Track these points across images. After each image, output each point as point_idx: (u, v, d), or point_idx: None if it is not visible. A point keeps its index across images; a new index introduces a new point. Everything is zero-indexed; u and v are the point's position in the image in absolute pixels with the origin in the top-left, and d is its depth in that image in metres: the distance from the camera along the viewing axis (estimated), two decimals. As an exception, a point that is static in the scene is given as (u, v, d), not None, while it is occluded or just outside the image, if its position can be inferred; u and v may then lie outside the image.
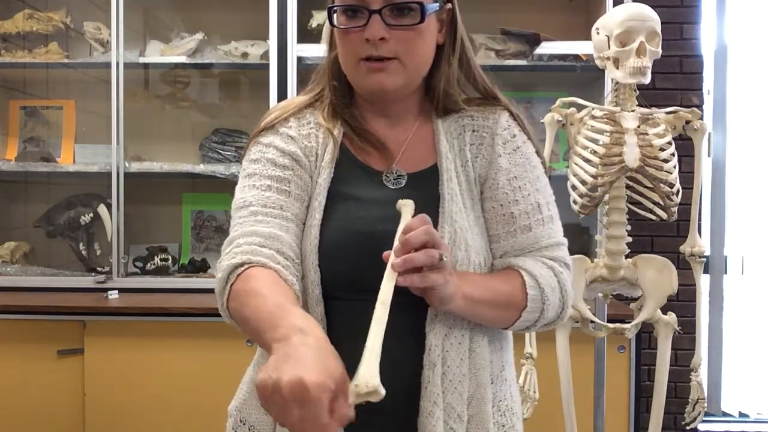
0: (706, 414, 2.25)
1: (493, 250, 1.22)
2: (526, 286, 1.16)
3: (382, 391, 0.86)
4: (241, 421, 1.23)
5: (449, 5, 1.23)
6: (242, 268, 1.10)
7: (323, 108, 1.26)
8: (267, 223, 1.15)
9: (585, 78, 3.10)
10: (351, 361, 1.14)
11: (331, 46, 1.26)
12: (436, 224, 1.12)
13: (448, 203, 1.18)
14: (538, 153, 1.27)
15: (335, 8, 1.18)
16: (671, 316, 1.83)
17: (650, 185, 1.73)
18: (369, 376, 0.87)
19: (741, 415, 3.53)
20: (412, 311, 1.13)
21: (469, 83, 1.27)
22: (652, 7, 1.77)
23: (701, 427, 3.16)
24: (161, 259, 3.07)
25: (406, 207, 1.12)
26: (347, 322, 1.15)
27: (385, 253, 1.04)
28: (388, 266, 1.02)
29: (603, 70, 1.96)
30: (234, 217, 1.19)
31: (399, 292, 1.01)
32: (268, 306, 1.03)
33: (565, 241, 1.25)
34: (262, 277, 1.10)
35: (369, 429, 1.08)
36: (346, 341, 1.14)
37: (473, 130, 1.24)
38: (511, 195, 1.22)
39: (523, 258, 1.20)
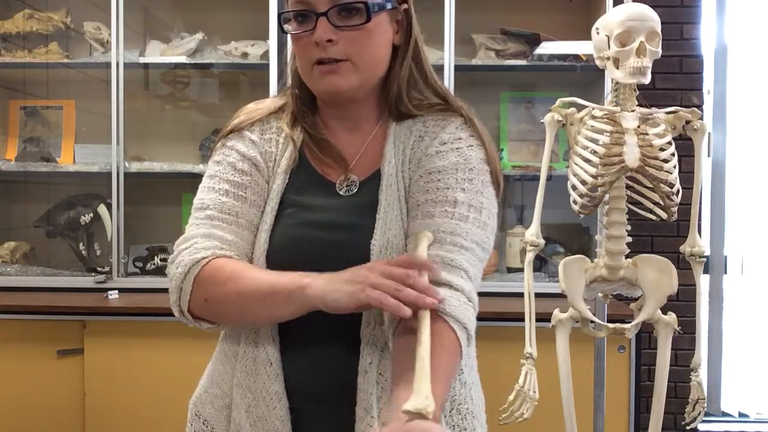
0: (706, 414, 2.25)
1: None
2: (457, 335, 1.06)
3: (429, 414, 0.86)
4: (196, 414, 1.26)
5: (404, 6, 1.22)
6: (206, 260, 1.13)
7: (286, 115, 1.27)
8: (222, 229, 1.18)
9: (585, 78, 3.10)
10: (300, 369, 1.17)
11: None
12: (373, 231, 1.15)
13: (385, 210, 1.17)
14: (491, 162, 1.21)
15: (286, 15, 1.18)
16: (671, 316, 1.82)
17: (650, 185, 1.73)
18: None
19: (741, 415, 3.54)
20: (347, 314, 1.07)
21: (423, 85, 1.24)
22: (652, 7, 1.77)
23: (701, 427, 3.16)
24: (161, 259, 3.07)
25: (423, 238, 1.10)
26: (295, 328, 1.15)
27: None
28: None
29: (603, 70, 1.96)
30: (192, 216, 1.21)
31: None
32: (269, 273, 1.11)
33: (476, 248, 1.14)
34: (234, 262, 1.14)
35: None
36: (294, 349, 1.17)
37: (420, 136, 1.21)
38: (424, 185, 1.17)
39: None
